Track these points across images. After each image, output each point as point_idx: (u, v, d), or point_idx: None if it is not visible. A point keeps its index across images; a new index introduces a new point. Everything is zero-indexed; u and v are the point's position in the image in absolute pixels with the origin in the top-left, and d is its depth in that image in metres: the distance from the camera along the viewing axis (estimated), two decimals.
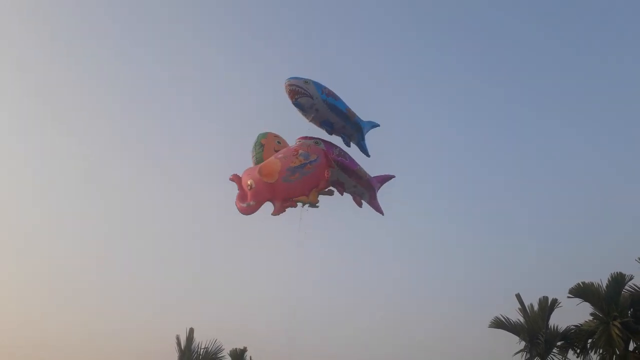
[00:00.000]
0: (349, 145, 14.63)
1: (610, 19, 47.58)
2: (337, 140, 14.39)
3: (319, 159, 13.10)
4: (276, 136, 14.28)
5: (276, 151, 13.68)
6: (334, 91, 14.05)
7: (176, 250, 38.02)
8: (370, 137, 14.94)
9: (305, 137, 13.94)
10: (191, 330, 23.34)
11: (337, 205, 14.05)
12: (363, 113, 14.70)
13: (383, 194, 14.62)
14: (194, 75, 49.59)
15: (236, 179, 13.04)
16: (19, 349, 29.29)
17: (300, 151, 13.12)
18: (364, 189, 14.27)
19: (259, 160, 13.62)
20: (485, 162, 47.25)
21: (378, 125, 15.19)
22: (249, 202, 12.59)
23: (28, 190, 42.33)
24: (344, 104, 14.22)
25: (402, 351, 30.95)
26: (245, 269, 35.55)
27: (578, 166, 44.80)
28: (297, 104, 13.61)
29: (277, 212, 12.75)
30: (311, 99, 13.52)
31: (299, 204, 13.40)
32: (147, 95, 49.36)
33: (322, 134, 14.21)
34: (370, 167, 14.47)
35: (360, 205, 14.37)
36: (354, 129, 14.53)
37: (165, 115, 48.22)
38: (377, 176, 14.63)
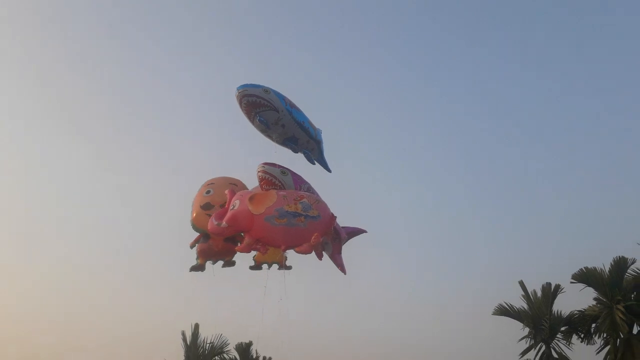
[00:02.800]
0: (313, 163, 12.62)
1: None
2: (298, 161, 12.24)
3: (319, 219, 11.07)
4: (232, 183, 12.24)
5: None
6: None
7: (181, 246, 38.04)
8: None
9: (269, 164, 11.65)
10: (196, 326, 23.39)
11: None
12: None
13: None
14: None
15: (230, 194, 11.50)
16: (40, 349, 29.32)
17: (304, 200, 11.08)
18: (329, 239, 12.00)
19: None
20: (489, 149, 47.00)
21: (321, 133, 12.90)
22: (221, 222, 10.91)
23: (38, 189, 42.55)
24: (304, 115, 12.00)
25: (404, 341, 31.06)
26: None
27: (579, 151, 44.78)
28: (260, 121, 11.07)
29: (241, 249, 11.18)
30: (276, 112, 11.06)
31: (264, 266, 12.07)
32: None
33: (285, 155, 12.03)
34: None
35: (320, 257, 11.93)
36: (315, 143, 12.41)
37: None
38: (347, 227, 12.62)
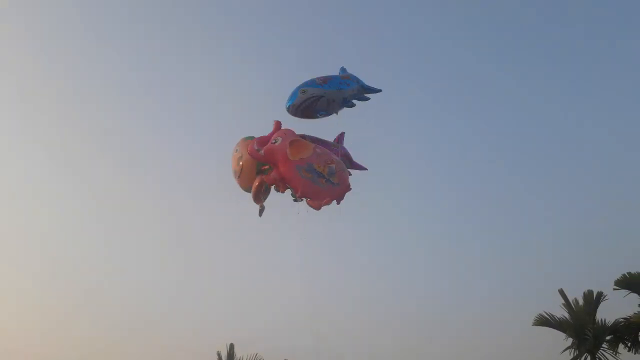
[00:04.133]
0: (353, 105, 14.21)
1: None
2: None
3: (336, 188, 12.58)
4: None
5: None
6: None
7: (215, 266, 38.23)
8: None
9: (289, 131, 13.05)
10: (232, 346, 23.60)
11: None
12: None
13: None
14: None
15: (276, 125, 12.91)
16: None
17: (333, 165, 12.68)
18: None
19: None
20: (526, 152, 45.20)
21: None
22: (260, 149, 12.46)
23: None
24: (337, 77, 13.92)
25: (439, 356, 30.24)
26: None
27: (622, 154, 42.82)
28: (322, 115, 13.32)
29: (266, 179, 12.61)
30: (323, 97, 13.11)
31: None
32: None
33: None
34: None
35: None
36: (357, 88, 14.17)
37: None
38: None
